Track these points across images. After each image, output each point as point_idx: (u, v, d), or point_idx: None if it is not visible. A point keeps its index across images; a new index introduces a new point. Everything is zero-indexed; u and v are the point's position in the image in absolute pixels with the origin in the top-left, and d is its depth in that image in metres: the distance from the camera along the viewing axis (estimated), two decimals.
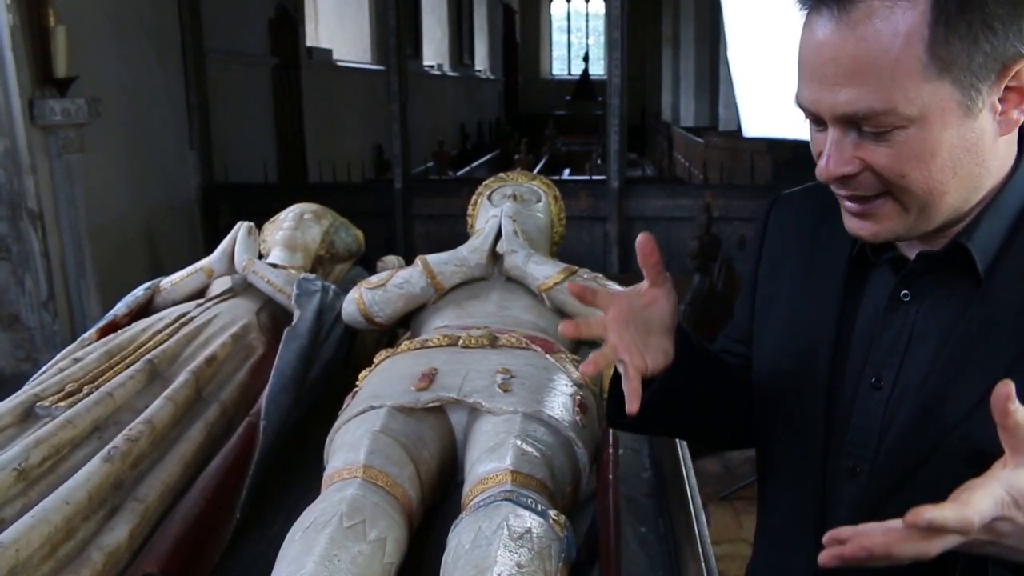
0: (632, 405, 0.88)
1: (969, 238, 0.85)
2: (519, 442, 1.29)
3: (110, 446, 1.35)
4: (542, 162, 11.42)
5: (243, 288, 2.07)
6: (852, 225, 0.87)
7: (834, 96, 0.79)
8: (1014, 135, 0.85)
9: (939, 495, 0.82)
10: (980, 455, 0.79)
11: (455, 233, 2.31)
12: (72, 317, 4.00)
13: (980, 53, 0.77)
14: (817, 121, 0.85)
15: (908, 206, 0.82)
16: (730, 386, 1.05)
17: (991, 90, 0.79)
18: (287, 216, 2.37)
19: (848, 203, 0.86)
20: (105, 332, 1.86)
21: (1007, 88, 0.80)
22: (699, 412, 1.05)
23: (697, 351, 1.00)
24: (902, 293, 0.89)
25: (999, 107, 0.80)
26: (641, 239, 0.91)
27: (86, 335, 1.86)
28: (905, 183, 0.80)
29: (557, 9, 21.77)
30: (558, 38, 21.82)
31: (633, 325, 0.91)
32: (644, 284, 0.93)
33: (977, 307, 0.84)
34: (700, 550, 1.32)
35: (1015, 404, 0.67)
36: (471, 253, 1.97)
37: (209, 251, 2.18)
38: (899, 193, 0.82)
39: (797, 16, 0.86)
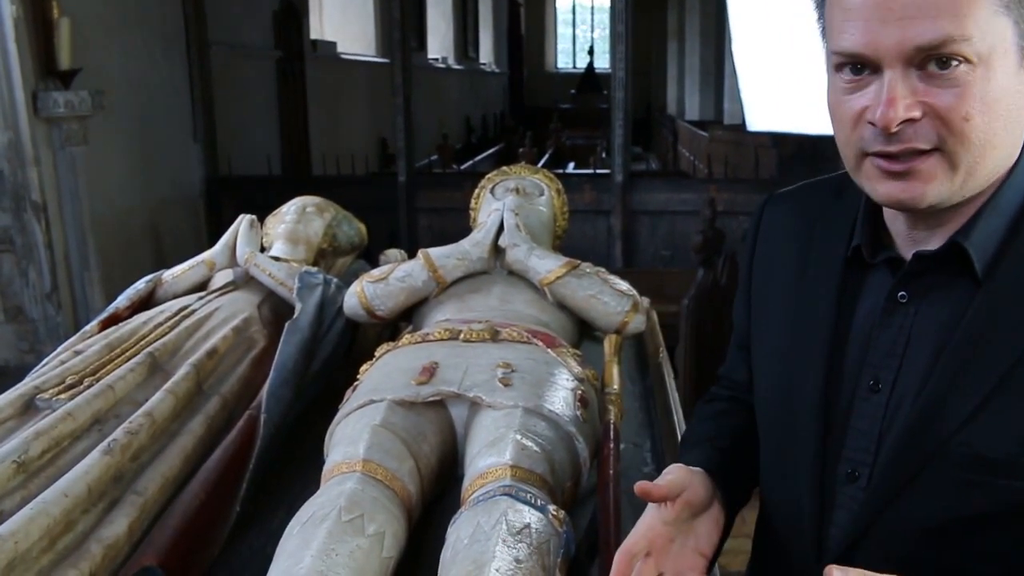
0: None
1: (967, 237, 0.82)
2: (519, 437, 1.28)
3: (110, 439, 1.35)
4: (547, 156, 11.38)
5: (245, 281, 2.07)
6: (892, 189, 0.81)
7: (902, 30, 0.75)
8: (1021, 131, 0.82)
9: (939, 500, 0.81)
10: (981, 460, 0.78)
11: (459, 227, 2.30)
12: (75, 309, 4.00)
13: None
14: (858, 70, 0.80)
15: (959, 162, 0.78)
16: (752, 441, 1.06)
17: None
18: (289, 209, 2.37)
19: (887, 163, 0.80)
20: (107, 324, 1.86)
21: None
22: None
23: (723, 455, 1.02)
24: (899, 294, 0.87)
25: None
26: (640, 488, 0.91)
27: (87, 327, 1.86)
28: (967, 129, 0.76)
29: (562, 2, 21.71)
30: (563, 31, 21.76)
31: (676, 536, 0.93)
32: (667, 511, 0.93)
33: (976, 309, 0.81)
34: None
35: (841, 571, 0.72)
36: (473, 247, 1.96)
37: (212, 244, 2.18)
38: (954, 145, 0.77)
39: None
